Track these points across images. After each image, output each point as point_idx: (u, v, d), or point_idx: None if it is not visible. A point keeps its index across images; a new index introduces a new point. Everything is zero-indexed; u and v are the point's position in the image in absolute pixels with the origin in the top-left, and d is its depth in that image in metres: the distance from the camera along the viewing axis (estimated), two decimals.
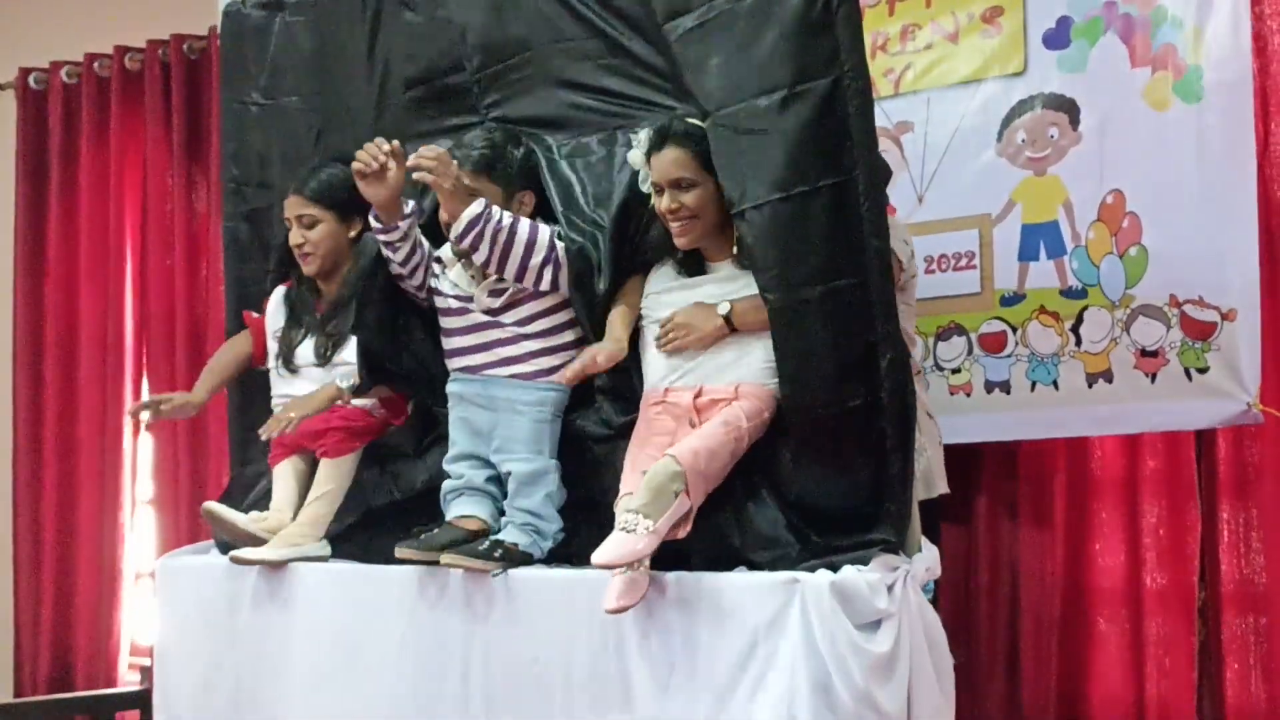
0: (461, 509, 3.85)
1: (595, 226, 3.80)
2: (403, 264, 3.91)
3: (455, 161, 3.73)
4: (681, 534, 3.37)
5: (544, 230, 3.76)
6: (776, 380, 3.50)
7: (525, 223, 3.74)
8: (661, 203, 3.58)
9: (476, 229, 3.68)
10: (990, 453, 4.66)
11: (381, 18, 4.27)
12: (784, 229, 3.36)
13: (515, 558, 3.69)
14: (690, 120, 3.55)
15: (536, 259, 3.73)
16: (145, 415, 4.44)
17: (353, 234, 4.20)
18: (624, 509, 3.31)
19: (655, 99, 3.77)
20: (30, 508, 6.46)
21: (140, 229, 6.28)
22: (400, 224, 3.83)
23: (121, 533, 6.28)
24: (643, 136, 3.62)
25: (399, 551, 3.74)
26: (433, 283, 3.99)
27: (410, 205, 3.84)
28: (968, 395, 4.43)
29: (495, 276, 3.81)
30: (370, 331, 4.03)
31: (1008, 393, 4.39)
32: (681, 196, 3.54)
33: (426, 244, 3.94)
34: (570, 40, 3.93)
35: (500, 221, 3.69)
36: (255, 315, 4.42)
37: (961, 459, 4.43)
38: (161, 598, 4.44)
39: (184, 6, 6.18)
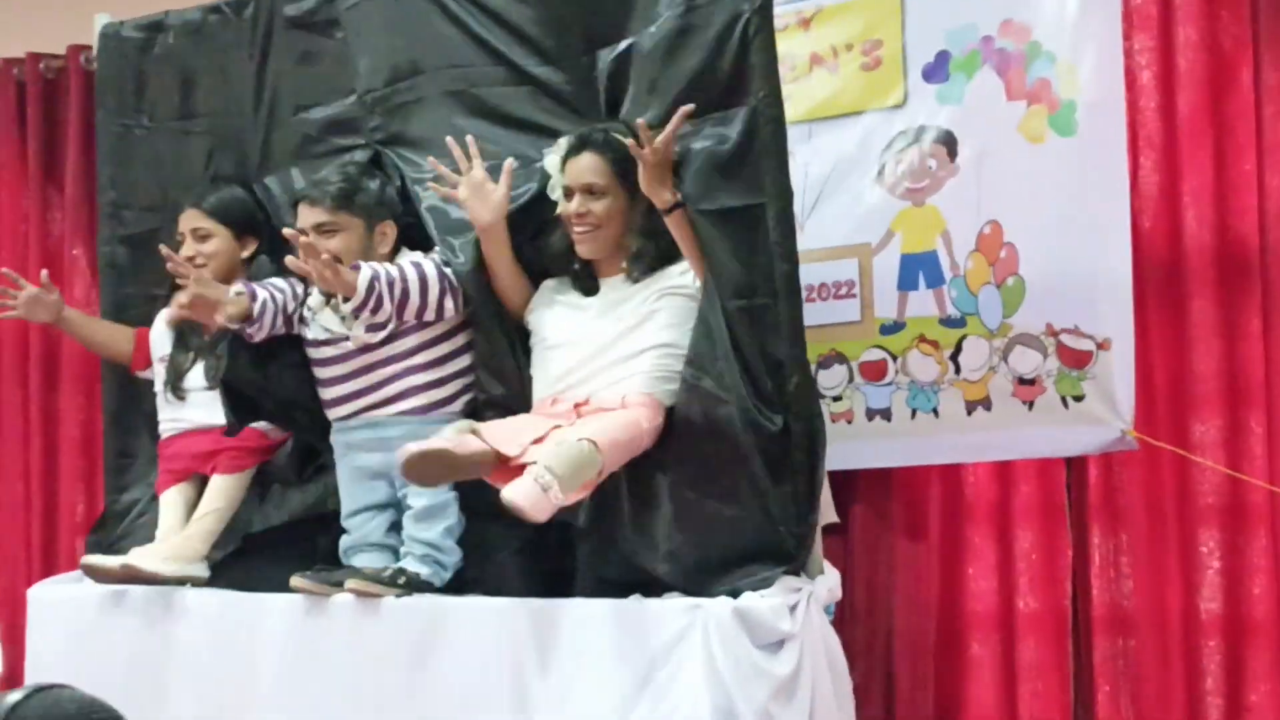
0: (362, 563, 3.82)
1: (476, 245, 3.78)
2: (276, 320, 3.87)
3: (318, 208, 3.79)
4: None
5: (427, 263, 3.75)
6: (664, 388, 3.52)
7: (409, 265, 3.72)
8: (570, 207, 3.59)
9: (374, 294, 3.65)
10: (865, 478, 4.71)
11: (271, 39, 4.23)
12: (711, 245, 3.41)
13: (417, 585, 3.67)
14: (613, 133, 3.57)
15: (434, 293, 3.73)
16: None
17: (245, 254, 4.18)
18: (541, 462, 3.23)
19: (556, 126, 3.78)
20: None
21: None
22: (259, 321, 3.80)
23: None
24: (562, 142, 3.64)
25: (294, 582, 3.70)
26: (301, 331, 3.94)
27: (253, 294, 3.78)
28: (849, 423, 4.47)
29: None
30: (240, 372, 3.98)
31: (889, 420, 4.44)
32: (591, 203, 3.57)
33: (283, 294, 3.88)
34: (469, 65, 3.92)
35: (390, 275, 3.67)
36: (145, 330, 4.36)
37: (837, 484, 4.47)
38: (32, 628, 4.34)
39: (40, 26, 6.04)
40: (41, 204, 6.03)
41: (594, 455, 3.28)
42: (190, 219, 4.20)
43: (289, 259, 3.66)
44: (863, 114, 4.52)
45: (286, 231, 3.68)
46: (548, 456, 3.24)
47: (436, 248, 3.83)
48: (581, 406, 3.54)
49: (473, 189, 3.69)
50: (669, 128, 3.39)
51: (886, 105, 4.49)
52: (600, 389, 3.55)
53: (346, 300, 3.66)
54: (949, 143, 4.38)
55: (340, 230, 3.81)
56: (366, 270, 3.65)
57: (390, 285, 3.67)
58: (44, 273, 4.43)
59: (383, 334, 3.81)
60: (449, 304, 3.76)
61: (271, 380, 4.00)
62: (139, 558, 4.03)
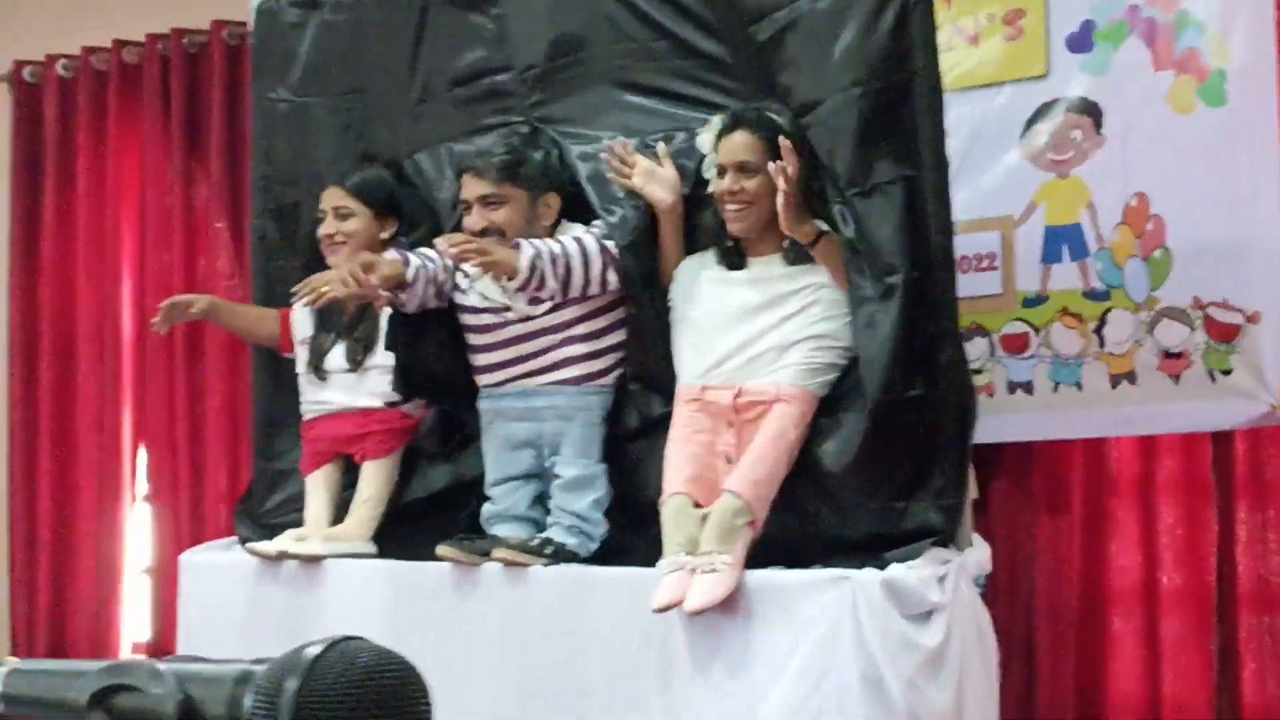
0: (504, 534, 3.85)
1: (634, 208, 3.80)
2: (430, 288, 3.91)
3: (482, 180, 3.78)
4: None
5: (588, 238, 3.76)
6: (816, 380, 3.53)
7: (570, 241, 3.73)
8: (722, 184, 3.61)
9: (536, 273, 3.67)
10: (1007, 451, 4.68)
11: (427, 15, 4.26)
12: (866, 221, 3.41)
13: (564, 555, 3.70)
14: (767, 112, 3.59)
15: (595, 267, 3.74)
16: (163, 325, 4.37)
17: (385, 235, 4.20)
18: (702, 547, 3.38)
19: (719, 100, 3.79)
20: (25, 506, 6.38)
21: (139, 224, 6.22)
22: (412, 287, 3.83)
23: (121, 529, 6.21)
24: (715, 120, 3.65)
25: (441, 551, 3.75)
26: (458, 299, 3.98)
27: (406, 259, 3.82)
28: (989, 396, 4.45)
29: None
30: (404, 349, 4.02)
31: (1030, 393, 4.42)
32: (744, 180, 3.59)
33: (434, 264, 3.91)
34: (633, 40, 3.94)
35: (552, 252, 3.68)
36: (288, 310, 4.40)
37: (979, 459, 4.45)
38: (184, 595, 4.42)
39: (184, 2, 6.14)
40: (185, 178, 6.11)
41: (733, 503, 3.41)
42: (332, 196, 4.23)
43: (439, 243, 3.70)
44: (1004, 85, 4.49)
45: (439, 244, 3.72)
46: (705, 540, 3.40)
47: (598, 220, 3.84)
48: (737, 399, 3.56)
49: (645, 175, 3.74)
50: (791, 165, 3.42)
51: (1029, 76, 4.45)
52: (753, 378, 3.58)
53: (510, 279, 3.69)
54: (1094, 114, 4.34)
55: (505, 202, 3.83)
56: (528, 249, 3.66)
57: (553, 262, 3.68)
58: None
59: (545, 306, 3.84)
60: (611, 277, 3.77)
61: (426, 355, 4.03)
62: (304, 546, 4.08)
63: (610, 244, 3.77)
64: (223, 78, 5.91)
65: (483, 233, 3.82)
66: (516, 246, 3.66)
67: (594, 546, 3.80)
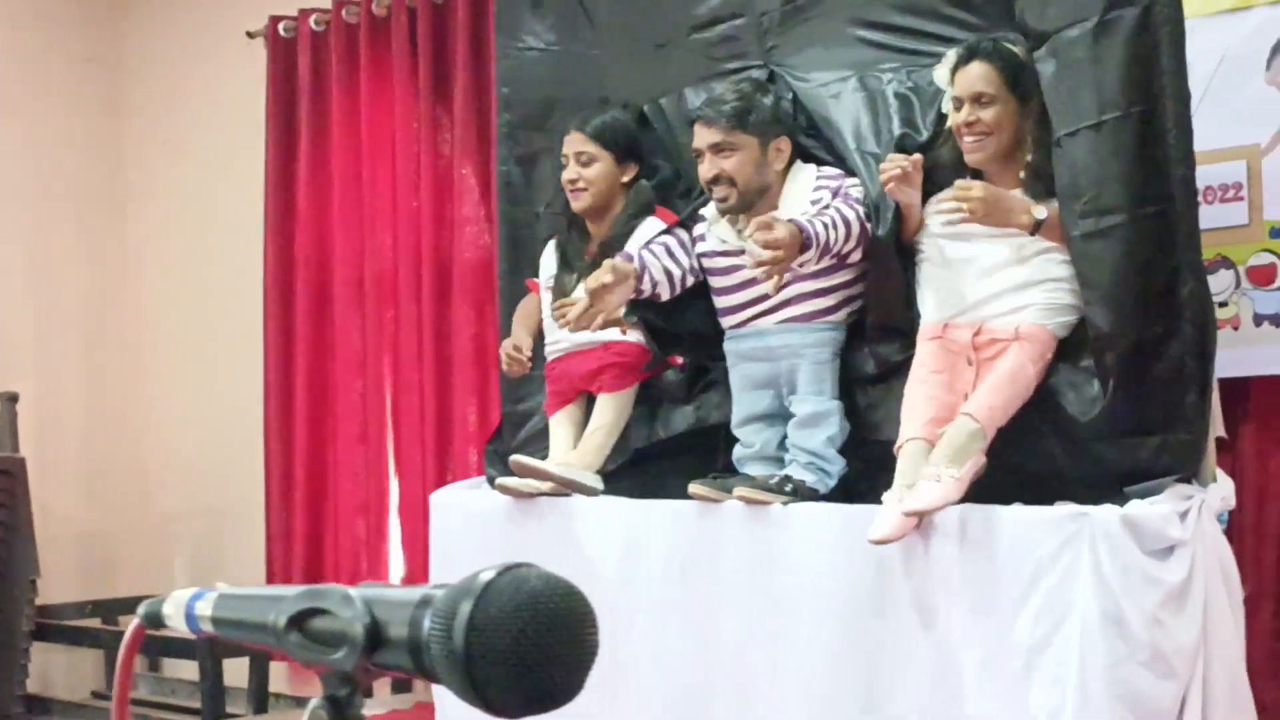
0: (754, 473, 3.93)
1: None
2: (673, 292, 4.01)
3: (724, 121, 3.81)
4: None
5: (854, 219, 3.78)
6: (1056, 320, 3.53)
7: (839, 226, 3.74)
8: (959, 116, 3.62)
9: (813, 264, 3.75)
10: (1256, 386, 4.59)
11: None
12: (1094, 156, 3.40)
13: (803, 493, 3.77)
14: (1003, 42, 3.58)
15: (849, 247, 3.79)
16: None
17: (626, 178, 4.28)
18: (929, 462, 3.42)
19: (956, 35, 3.80)
20: (282, 452, 6.65)
21: (390, 173, 6.38)
22: (645, 290, 3.93)
23: (387, 470, 6.40)
24: (950, 54, 3.66)
25: (692, 488, 3.84)
26: (699, 247, 4.06)
27: (641, 272, 3.91)
28: (1235, 329, 4.38)
29: None
30: (646, 309, 4.12)
31: (1278, 326, 4.34)
32: (980, 112, 3.59)
33: (674, 256, 4.01)
34: None
35: (828, 242, 3.71)
36: (535, 280, 4.53)
37: (1227, 394, 4.38)
38: (435, 532, 4.58)
39: None
40: (432, 124, 6.24)
41: (969, 424, 3.45)
42: (574, 142, 4.31)
43: (749, 250, 3.75)
44: (1251, 9, 4.38)
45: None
46: (934, 453, 3.47)
47: (856, 182, 3.87)
48: (976, 337, 3.58)
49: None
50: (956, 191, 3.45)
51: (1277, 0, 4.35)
52: (993, 316, 3.59)
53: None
54: None
55: (736, 149, 3.89)
56: (809, 247, 3.66)
57: (826, 250, 3.72)
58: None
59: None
60: (856, 255, 3.84)
61: (673, 313, 4.12)
62: (535, 461, 4.21)
63: (867, 225, 3.79)
64: (467, 27, 6.01)
65: (714, 180, 3.88)
66: (800, 229, 3.64)
67: (832, 483, 3.86)
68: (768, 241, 3.56)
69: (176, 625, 1.37)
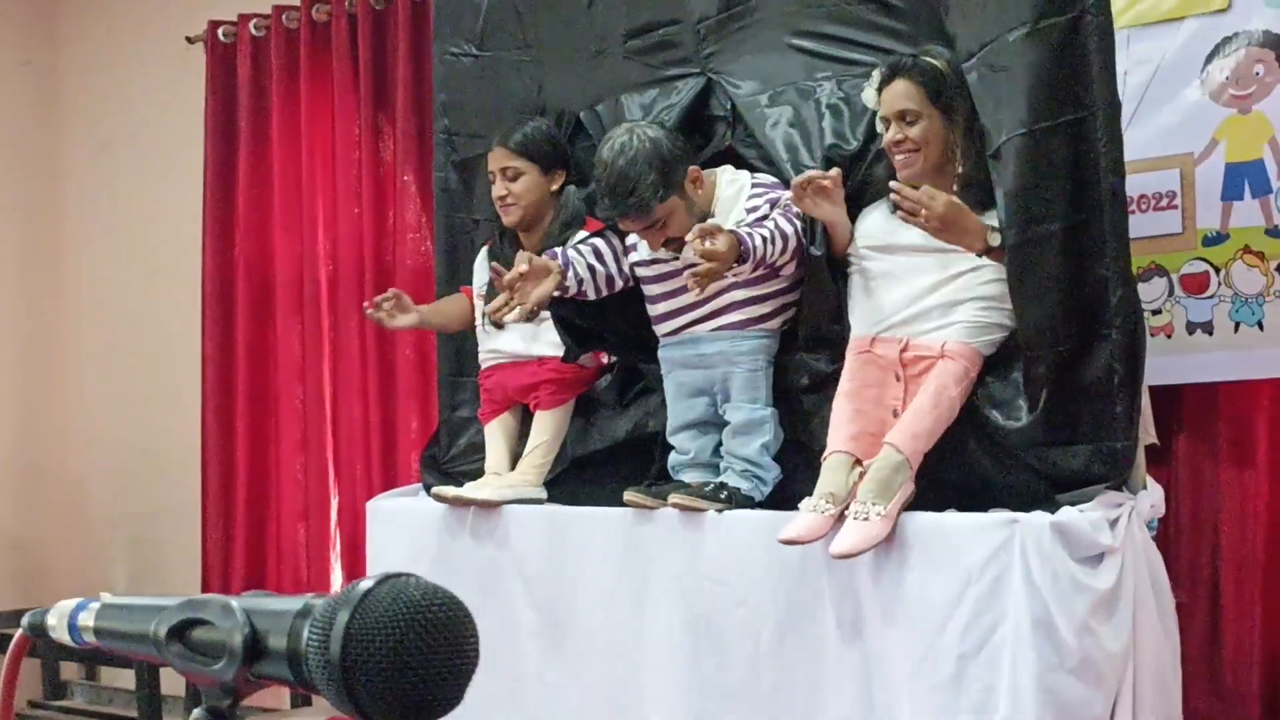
0: (689, 480, 3.92)
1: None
2: (599, 293, 3.98)
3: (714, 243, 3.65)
4: None
5: (790, 231, 3.77)
6: (982, 339, 3.54)
7: (777, 240, 3.72)
8: (888, 135, 3.63)
9: (752, 274, 3.76)
10: (1189, 394, 4.61)
11: None
12: (1026, 165, 3.39)
13: (738, 500, 3.76)
14: (924, 57, 3.59)
15: (783, 259, 3.79)
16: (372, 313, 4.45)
17: (555, 187, 4.28)
18: (858, 499, 3.43)
19: (888, 45, 3.80)
20: (220, 454, 6.60)
21: (330, 179, 6.35)
22: (571, 286, 3.91)
23: (327, 477, 6.38)
24: (875, 74, 3.68)
25: (626, 496, 3.84)
26: (632, 256, 4.05)
27: (565, 268, 3.88)
28: (1168, 337, 4.40)
29: None
30: (568, 306, 4.09)
31: (1210, 334, 4.35)
32: (907, 129, 3.59)
33: (601, 257, 4.01)
34: None
35: (765, 256, 3.70)
36: (469, 288, 4.52)
37: (1160, 401, 4.40)
38: (372, 540, 4.56)
39: None
40: (373, 131, 6.22)
41: (892, 457, 3.45)
42: (499, 158, 4.31)
43: (684, 257, 3.74)
44: (1185, 20, 4.40)
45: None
46: (862, 490, 3.46)
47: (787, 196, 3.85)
48: (904, 352, 3.59)
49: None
50: (923, 193, 3.43)
51: (1210, 10, 4.36)
52: (921, 333, 3.59)
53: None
54: (1277, 47, 4.24)
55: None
56: (749, 244, 3.65)
57: (761, 262, 3.72)
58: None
59: None
60: (790, 268, 3.84)
61: (595, 311, 4.11)
62: (478, 491, 4.20)
63: (804, 239, 3.79)
64: (408, 33, 5.99)
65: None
66: (740, 241, 3.63)
67: (767, 490, 3.86)
68: (706, 252, 3.55)
69: (60, 636, 1.36)
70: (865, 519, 3.40)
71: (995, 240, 3.51)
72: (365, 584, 1.17)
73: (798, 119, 3.93)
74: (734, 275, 3.72)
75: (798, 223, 3.78)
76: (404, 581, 1.18)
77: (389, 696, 1.13)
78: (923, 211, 3.45)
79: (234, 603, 1.22)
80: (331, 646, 1.14)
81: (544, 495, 4.22)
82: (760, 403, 3.88)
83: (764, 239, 3.67)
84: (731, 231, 3.63)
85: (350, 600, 1.16)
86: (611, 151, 3.83)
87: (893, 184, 3.53)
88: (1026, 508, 3.36)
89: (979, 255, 3.53)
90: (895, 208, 3.65)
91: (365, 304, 4.57)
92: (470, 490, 4.20)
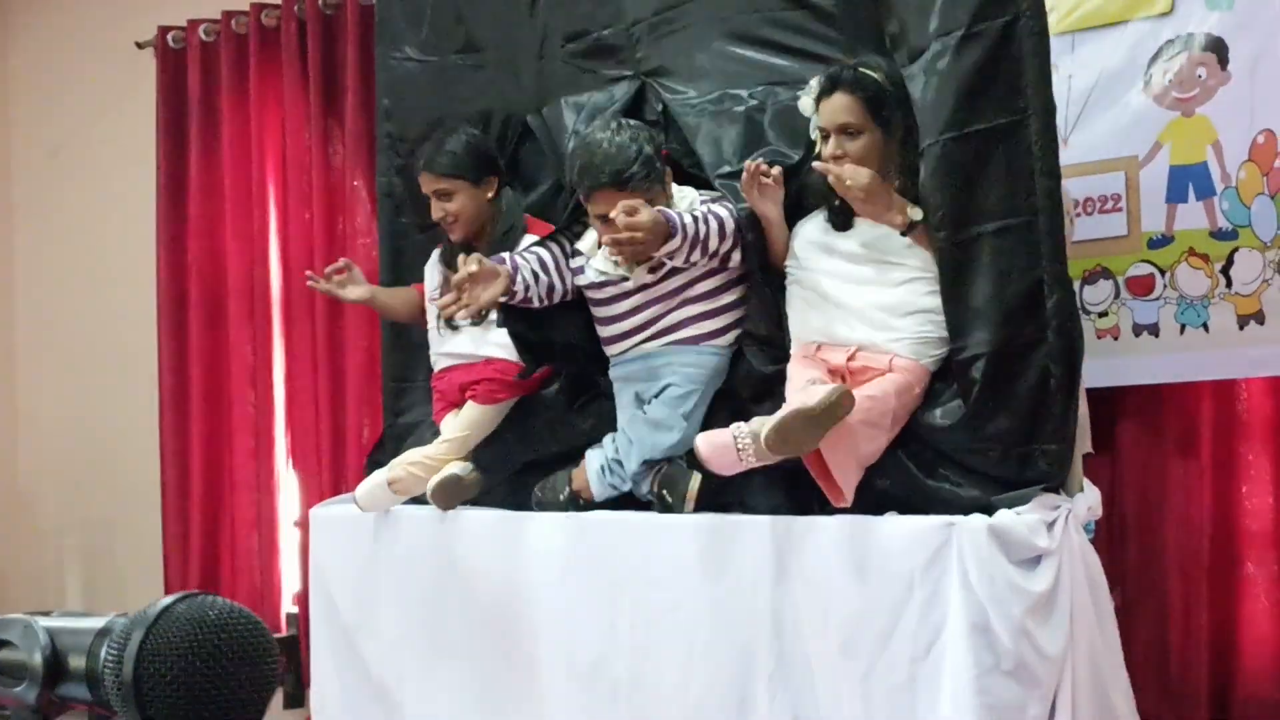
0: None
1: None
2: (541, 301, 3.97)
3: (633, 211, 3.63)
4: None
5: (725, 214, 3.76)
6: (929, 355, 3.53)
7: (710, 221, 3.73)
8: (826, 148, 3.60)
9: (683, 254, 3.71)
10: (1134, 395, 4.62)
11: None
12: (957, 167, 3.39)
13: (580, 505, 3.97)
14: (862, 70, 3.57)
15: (725, 246, 3.76)
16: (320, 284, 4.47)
17: (490, 194, 4.27)
18: (749, 428, 3.44)
19: (823, 51, 3.79)
20: (177, 461, 6.55)
21: (281, 184, 6.33)
22: (519, 292, 3.88)
23: (277, 484, 6.36)
24: (813, 83, 3.65)
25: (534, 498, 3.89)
26: (579, 280, 4.03)
27: (514, 273, 3.86)
28: (1115, 339, 4.41)
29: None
30: (521, 321, 4.07)
31: (1156, 335, 4.36)
32: (847, 144, 3.57)
33: (545, 267, 3.98)
34: None
35: (695, 231, 3.69)
36: (421, 285, 4.51)
37: (1106, 402, 4.41)
38: (314, 547, 4.54)
39: None
40: (323, 136, 6.20)
41: (843, 408, 3.36)
42: (428, 182, 4.31)
43: (607, 242, 3.70)
44: (1128, 23, 4.42)
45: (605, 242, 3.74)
46: (762, 424, 3.43)
47: (716, 196, 3.84)
48: (851, 361, 3.57)
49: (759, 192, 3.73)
50: (838, 169, 3.46)
51: (1154, 14, 4.38)
52: (867, 340, 3.58)
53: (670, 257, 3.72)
54: (1219, 50, 4.26)
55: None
56: (674, 233, 3.64)
57: (693, 242, 3.69)
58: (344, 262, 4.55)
59: (662, 272, 3.87)
60: (735, 256, 3.81)
61: (547, 324, 4.09)
62: (393, 471, 4.23)
63: (740, 221, 3.77)
64: (357, 39, 5.97)
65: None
66: (666, 219, 3.63)
67: (613, 493, 3.94)
68: (628, 224, 3.53)
69: None
70: (741, 449, 3.45)
71: (916, 214, 3.49)
72: (164, 602, 1.14)
73: (727, 124, 3.92)
74: (668, 257, 3.69)
75: (732, 208, 3.76)
76: (203, 600, 1.15)
77: (181, 716, 1.11)
78: (847, 180, 3.45)
79: (39, 623, 1.19)
80: (125, 666, 1.12)
81: (470, 465, 4.19)
82: (679, 413, 3.85)
83: (694, 219, 3.67)
84: (658, 210, 3.62)
85: (146, 619, 1.13)
86: (604, 131, 3.85)
87: (816, 165, 3.54)
88: (965, 510, 3.35)
89: (902, 233, 3.51)
90: (830, 214, 3.65)
91: (308, 274, 4.54)
92: (391, 471, 4.21)
